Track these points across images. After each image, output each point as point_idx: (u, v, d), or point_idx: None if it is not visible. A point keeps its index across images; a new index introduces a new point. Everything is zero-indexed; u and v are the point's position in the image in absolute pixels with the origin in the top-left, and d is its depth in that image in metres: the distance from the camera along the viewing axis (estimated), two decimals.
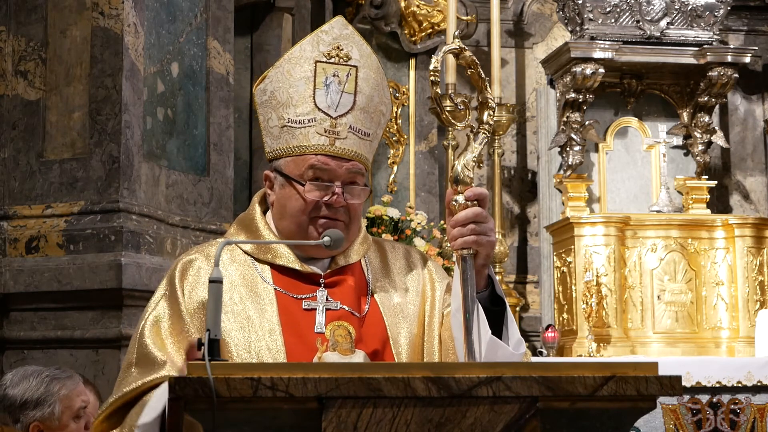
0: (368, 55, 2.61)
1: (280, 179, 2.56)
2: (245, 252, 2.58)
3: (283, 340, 2.45)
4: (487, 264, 2.40)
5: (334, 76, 2.55)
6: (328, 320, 2.48)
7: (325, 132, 2.52)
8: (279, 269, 2.55)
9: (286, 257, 2.55)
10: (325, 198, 2.49)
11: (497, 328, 2.39)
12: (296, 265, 2.54)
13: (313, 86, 2.54)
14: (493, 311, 2.39)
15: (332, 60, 2.56)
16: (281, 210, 2.56)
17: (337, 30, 2.60)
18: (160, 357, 2.42)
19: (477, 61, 2.44)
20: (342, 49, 2.57)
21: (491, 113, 2.44)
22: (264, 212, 2.63)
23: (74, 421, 3.57)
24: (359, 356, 2.45)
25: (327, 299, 2.51)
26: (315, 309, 2.49)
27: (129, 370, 2.44)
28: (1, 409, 3.57)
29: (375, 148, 2.64)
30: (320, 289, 2.52)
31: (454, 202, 2.38)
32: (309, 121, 2.53)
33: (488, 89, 2.44)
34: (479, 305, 2.34)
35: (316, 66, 2.55)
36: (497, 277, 2.48)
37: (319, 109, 2.53)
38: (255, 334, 2.45)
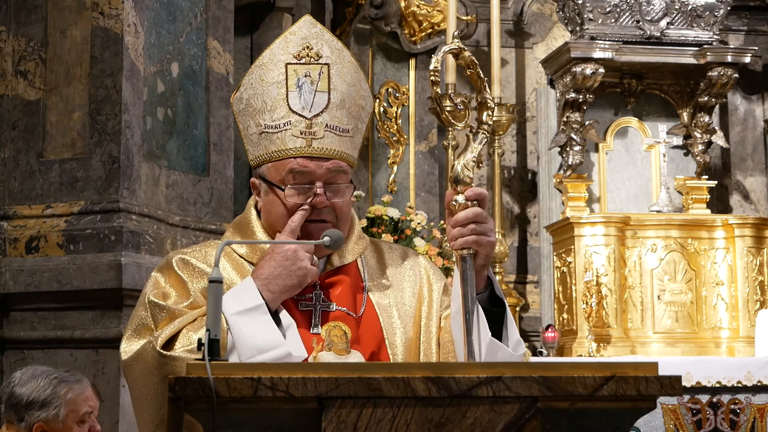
0: (340, 51, 2.58)
1: (264, 186, 2.54)
2: (240, 255, 2.57)
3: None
4: (487, 264, 2.40)
5: (305, 76, 2.53)
6: (324, 321, 2.47)
7: (302, 134, 2.49)
8: None
9: None
10: (308, 200, 2.47)
11: (497, 329, 2.38)
12: None
13: (286, 89, 2.52)
14: (492, 312, 2.39)
15: (302, 60, 2.54)
16: (268, 216, 2.55)
17: (305, 29, 2.58)
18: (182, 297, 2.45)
19: (476, 61, 2.44)
20: (312, 48, 2.55)
21: (490, 113, 2.44)
22: (260, 215, 2.63)
23: (78, 425, 3.57)
24: (355, 356, 2.45)
25: (322, 300, 2.51)
26: (311, 310, 2.49)
27: (158, 314, 2.44)
28: (7, 406, 3.57)
29: (359, 143, 2.61)
30: (316, 290, 2.52)
31: (453, 202, 2.37)
32: (285, 124, 2.50)
33: (487, 89, 2.44)
34: (479, 306, 2.34)
35: (286, 69, 2.53)
36: (497, 278, 2.48)
37: (293, 111, 2.51)
38: None
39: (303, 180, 2.48)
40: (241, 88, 2.58)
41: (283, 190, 2.48)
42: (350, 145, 2.56)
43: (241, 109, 2.58)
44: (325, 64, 2.55)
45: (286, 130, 2.50)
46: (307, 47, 2.55)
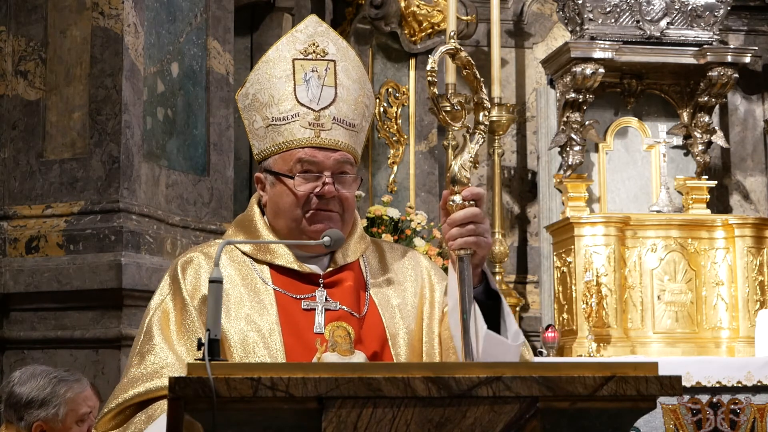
0: (345, 49, 2.63)
1: (270, 178, 2.56)
2: (244, 253, 2.57)
3: (283, 340, 2.45)
4: (482, 264, 2.41)
5: (312, 71, 2.56)
6: (328, 320, 2.48)
7: (310, 125, 2.53)
8: (278, 269, 2.55)
9: (285, 257, 2.55)
10: (316, 189, 2.50)
11: (495, 320, 2.39)
12: (295, 266, 2.54)
13: (293, 83, 2.55)
14: (489, 305, 2.39)
15: (309, 56, 2.58)
16: (275, 208, 2.56)
17: (311, 28, 2.62)
18: (169, 359, 2.41)
19: (472, 61, 2.45)
20: (318, 45, 2.59)
21: (486, 113, 2.44)
22: (263, 213, 2.64)
23: (77, 425, 3.57)
24: (358, 357, 2.45)
25: (326, 299, 2.51)
26: (314, 309, 2.49)
27: (142, 363, 2.42)
28: (7, 405, 3.57)
29: (362, 140, 2.64)
30: (319, 289, 2.52)
31: (451, 202, 2.38)
32: (292, 116, 2.53)
33: (483, 90, 2.45)
34: (476, 305, 2.34)
35: (293, 64, 2.56)
36: (497, 278, 2.48)
37: (301, 104, 2.54)
38: (255, 335, 2.45)
39: (312, 169, 2.51)
40: (246, 84, 2.61)
41: (292, 178, 2.50)
42: (355, 141, 2.59)
43: (247, 104, 2.61)
44: (332, 60, 2.58)
45: (294, 121, 2.53)
46: (314, 44, 2.59)
